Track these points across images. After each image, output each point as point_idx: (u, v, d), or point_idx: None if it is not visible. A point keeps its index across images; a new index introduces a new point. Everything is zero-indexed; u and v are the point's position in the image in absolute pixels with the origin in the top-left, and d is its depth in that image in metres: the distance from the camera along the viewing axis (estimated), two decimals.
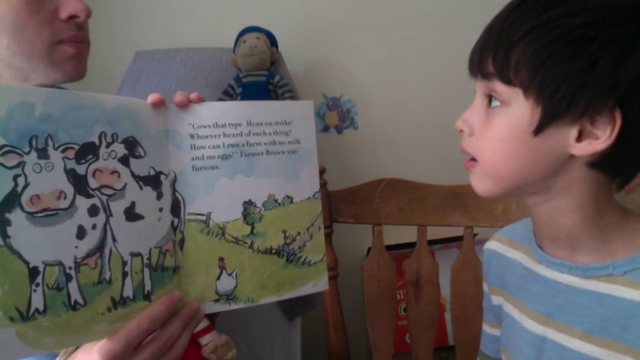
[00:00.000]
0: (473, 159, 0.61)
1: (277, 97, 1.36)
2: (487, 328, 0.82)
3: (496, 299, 0.76)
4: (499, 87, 0.57)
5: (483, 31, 0.59)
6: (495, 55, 0.56)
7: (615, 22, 0.51)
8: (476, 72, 0.59)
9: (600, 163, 0.55)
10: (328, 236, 1.06)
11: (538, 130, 0.55)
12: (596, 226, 0.58)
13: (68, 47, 0.70)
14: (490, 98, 0.59)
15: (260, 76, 1.35)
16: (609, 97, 0.51)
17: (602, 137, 0.53)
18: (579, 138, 0.54)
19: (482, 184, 0.61)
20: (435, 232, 1.17)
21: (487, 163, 0.59)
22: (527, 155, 0.56)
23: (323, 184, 1.04)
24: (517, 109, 0.56)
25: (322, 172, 1.02)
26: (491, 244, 0.78)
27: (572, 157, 0.55)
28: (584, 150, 0.54)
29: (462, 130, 0.62)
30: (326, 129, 1.67)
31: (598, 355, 0.57)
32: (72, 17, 0.69)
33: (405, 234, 1.19)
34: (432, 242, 1.34)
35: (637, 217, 0.60)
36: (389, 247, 1.10)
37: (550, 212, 0.60)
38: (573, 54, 0.52)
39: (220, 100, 1.34)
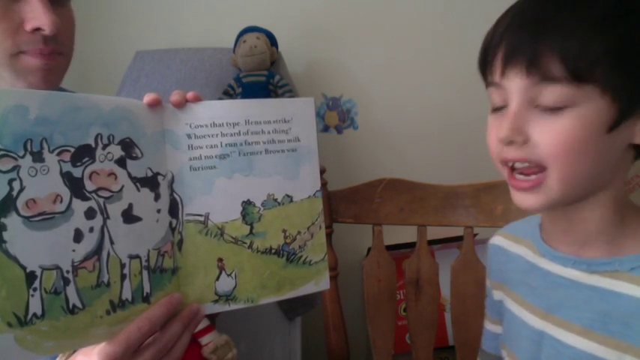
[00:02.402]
0: (536, 173, 0.55)
1: (277, 97, 1.35)
2: (488, 325, 0.81)
3: (497, 294, 0.76)
4: (558, 86, 0.52)
5: (520, 22, 0.54)
6: (565, 51, 0.51)
7: None
8: (516, 72, 0.53)
9: None
10: (328, 236, 1.05)
11: (613, 127, 0.52)
12: (618, 221, 0.57)
13: (32, 58, 0.68)
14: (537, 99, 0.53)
15: (260, 76, 1.35)
16: None
17: None
18: None
19: (544, 196, 0.55)
20: (435, 232, 1.16)
21: (563, 170, 0.54)
22: (599, 154, 0.53)
23: (323, 184, 1.04)
24: (590, 107, 0.52)
25: (322, 172, 1.02)
26: (496, 239, 0.77)
27: (630, 146, 0.54)
28: None
29: (511, 142, 0.55)
30: (326, 129, 1.67)
31: (595, 352, 0.56)
32: (37, 30, 0.67)
33: (405, 234, 1.19)
34: (432, 242, 1.34)
35: None
36: (389, 247, 1.10)
37: (583, 208, 0.58)
38: None
39: (220, 100, 1.34)
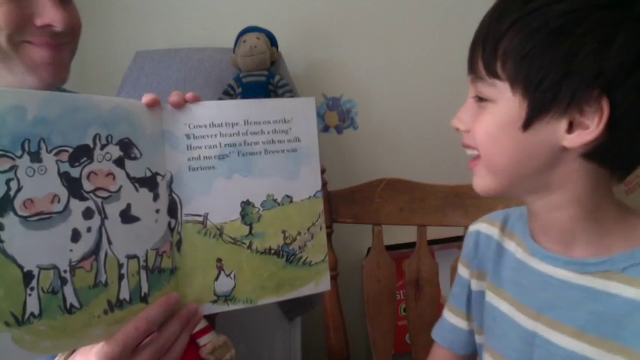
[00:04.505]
0: (476, 158, 0.60)
1: (277, 97, 1.35)
2: (450, 317, 0.80)
3: (477, 285, 0.74)
4: (485, 84, 0.56)
5: (477, 27, 0.58)
6: (484, 49, 0.55)
7: (598, 8, 0.50)
8: (468, 69, 0.59)
9: (594, 154, 0.53)
10: (328, 236, 1.05)
11: (526, 126, 0.54)
12: (594, 220, 0.57)
13: (39, 49, 0.68)
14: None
15: (260, 76, 1.35)
16: (594, 85, 0.50)
17: (590, 127, 0.51)
18: (570, 129, 0.53)
19: (481, 180, 0.60)
20: (435, 232, 1.16)
21: (485, 157, 0.58)
22: (519, 150, 0.56)
23: (323, 184, 1.04)
24: (504, 104, 0.55)
25: (322, 172, 1.02)
26: (482, 227, 0.76)
27: (565, 149, 0.54)
28: (575, 141, 0.53)
29: (457, 129, 0.62)
30: (326, 129, 1.67)
31: (588, 353, 0.56)
32: (47, 26, 0.68)
33: (405, 234, 1.18)
34: (432, 242, 1.33)
35: (636, 214, 0.59)
36: (389, 247, 1.10)
37: (546, 207, 0.59)
38: (556, 42, 0.51)
39: (220, 100, 1.34)
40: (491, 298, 0.71)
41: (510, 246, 0.70)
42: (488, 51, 0.55)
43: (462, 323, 0.78)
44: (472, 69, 0.58)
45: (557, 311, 0.60)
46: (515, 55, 0.53)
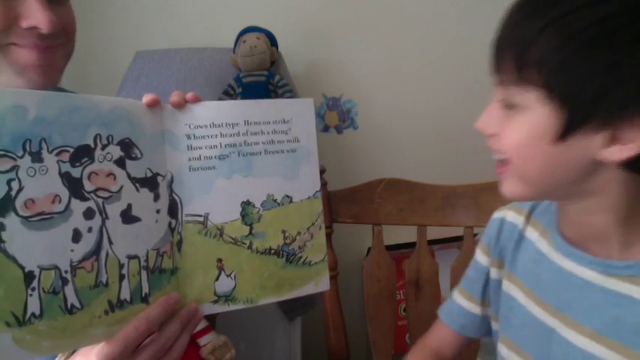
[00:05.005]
0: (503, 163, 0.57)
1: (277, 97, 1.35)
2: (462, 301, 0.78)
3: (496, 273, 0.73)
4: (515, 90, 0.53)
5: (500, 25, 0.54)
6: (514, 52, 0.52)
7: None
8: (493, 73, 0.55)
9: (634, 164, 0.50)
10: (328, 236, 1.05)
11: (562, 137, 0.51)
12: (627, 227, 0.55)
13: (27, 52, 0.68)
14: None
15: (260, 76, 1.35)
16: (639, 99, 0.47)
17: (636, 141, 0.48)
18: (609, 142, 0.49)
19: (511, 187, 0.57)
20: (435, 232, 1.16)
21: (516, 167, 0.55)
22: (552, 162, 0.53)
23: (323, 184, 1.04)
24: (536, 114, 0.52)
25: (322, 172, 1.02)
26: (508, 215, 0.73)
27: (602, 161, 0.51)
28: (614, 155, 0.49)
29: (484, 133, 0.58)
30: (326, 129, 1.67)
31: (605, 356, 0.55)
32: (33, 28, 0.67)
33: (405, 234, 1.19)
34: (432, 242, 1.34)
35: None
36: (389, 247, 1.10)
37: (580, 211, 0.57)
38: (597, 51, 0.47)
39: (220, 100, 1.34)
40: (507, 287, 0.69)
41: (532, 235, 0.67)
42: (519, 54, 0.51)
43: (475, 308, 0.77)
44: (499, 72, 0.54)
45: (576, 311, 0.59)
46: (551, 62, 0.49)
